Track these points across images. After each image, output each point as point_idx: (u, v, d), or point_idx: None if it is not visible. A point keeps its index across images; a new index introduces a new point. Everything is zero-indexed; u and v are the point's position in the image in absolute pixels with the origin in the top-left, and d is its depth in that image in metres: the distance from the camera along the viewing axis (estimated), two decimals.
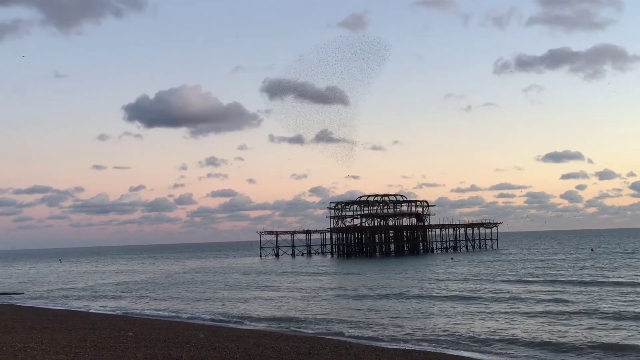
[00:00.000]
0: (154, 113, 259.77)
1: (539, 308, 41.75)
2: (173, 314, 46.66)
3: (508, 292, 51.72)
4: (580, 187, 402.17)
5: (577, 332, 32.32)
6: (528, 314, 39.07)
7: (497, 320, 37.03)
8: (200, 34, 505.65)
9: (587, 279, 61.71)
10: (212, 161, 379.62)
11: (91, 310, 51.10)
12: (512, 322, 36.17)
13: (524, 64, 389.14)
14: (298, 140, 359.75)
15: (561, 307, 41.48)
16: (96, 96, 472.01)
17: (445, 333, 33.43)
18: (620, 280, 59.74)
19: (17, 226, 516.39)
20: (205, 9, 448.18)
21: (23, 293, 73.91)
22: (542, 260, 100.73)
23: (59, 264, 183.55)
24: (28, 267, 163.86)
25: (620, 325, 33.85)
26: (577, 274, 69.50)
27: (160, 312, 48.18)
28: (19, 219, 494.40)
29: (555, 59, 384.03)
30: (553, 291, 51.53)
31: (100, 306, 55.18)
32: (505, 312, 40.14)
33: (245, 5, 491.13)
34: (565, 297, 47.18)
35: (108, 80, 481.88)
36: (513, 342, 30.45)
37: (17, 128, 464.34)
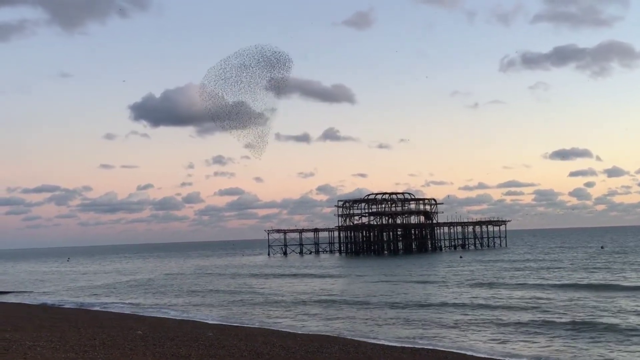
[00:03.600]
0: (160, 112, 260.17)
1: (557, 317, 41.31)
2: (181, 313, 46.73)
3: (523, 298, 46.91)
4: (589, 185, 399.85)
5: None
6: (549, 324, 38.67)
7: (512, 328, 34.25)
8: (204, 32, 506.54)
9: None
10: (219, 160, 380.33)
11: (100, 309, 51.24)
12: (529, 333, 33.27)
13: (530, 61, 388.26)
14: (304, 138, 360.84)
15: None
16: (102, 95, 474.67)
17: (453, 334, 33.29)
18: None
19: (25, 225, 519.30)
20: (209, 8, 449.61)
21: (32, 292, 74.24)
22: (555, 260, 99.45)
23: (67, 262, 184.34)
24: (37, 266, 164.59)
25: None
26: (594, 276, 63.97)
27: (169, 311, 48.26)
28: (27, 218, 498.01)
29: (561, 56, 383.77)
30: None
31: (109, 304, 55.33)
32: (520, 322, 35.57)
33: (250, 3, 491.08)
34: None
35: (114, 80, 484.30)
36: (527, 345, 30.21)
37: (25, 127, 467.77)
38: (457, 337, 31.73)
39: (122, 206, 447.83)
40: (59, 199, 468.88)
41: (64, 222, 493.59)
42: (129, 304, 55.49)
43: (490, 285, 58.07)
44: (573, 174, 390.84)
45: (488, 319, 36.99)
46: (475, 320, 36.89)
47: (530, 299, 46.02)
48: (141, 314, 46.38)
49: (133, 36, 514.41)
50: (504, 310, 40.38)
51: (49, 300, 62.31)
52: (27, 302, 60.28)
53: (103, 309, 50.91)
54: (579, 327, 32.74)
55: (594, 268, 75.26)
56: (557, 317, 36.59)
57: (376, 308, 44.36)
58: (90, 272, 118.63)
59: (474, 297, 48.15)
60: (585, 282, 58.10)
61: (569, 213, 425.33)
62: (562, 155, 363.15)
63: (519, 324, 35.00)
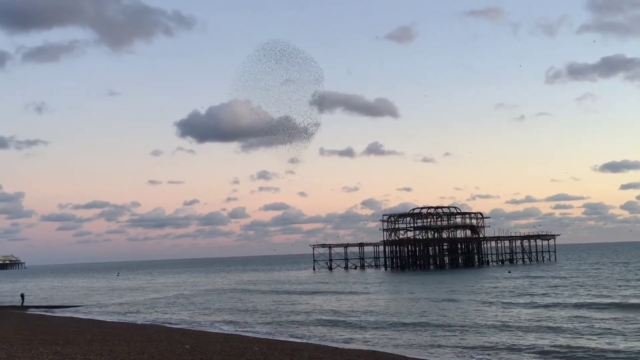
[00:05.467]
0: (206, 128, 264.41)
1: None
2: (228, 327, 46.98)
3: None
4: None
5: None
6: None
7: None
8: (248, 49, 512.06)
9: None
10: (263, 175, 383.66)
11: (148, 323, 51.91)
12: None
13: (577, 72, 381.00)
14: (348, 152, 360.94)
15: None
16: (149, 112, 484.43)
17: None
18: None
19: (76, 240, 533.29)
20: (252, 25, 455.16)
21: (83, 306, 75.71)
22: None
23: (117, 277, 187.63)
24: (87, 281, 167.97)
25: None
26: None
27: (216, 325, 48.57)
28: (78, 233, 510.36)
29: (609, 66, 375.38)
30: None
31: (158, 319, 56.00)
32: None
33: (293, 19, 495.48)
34: None
35: (160, 97, 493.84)
36: None
37: (75, 145, 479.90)
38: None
39: (170, 221, 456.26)
40: (109, 215, 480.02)
41: (113, 238, 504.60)
42: (178, 318, 56.06)
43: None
44: (624, 187, 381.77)
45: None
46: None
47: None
48: (188, 328, 46.81)
49: (178, 54, 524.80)
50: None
51: (99, 314, 63.46)
52: (78, 316, 61.55)
53: (152, 323, 51.56)
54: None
55: None
56: None
57: (423, 329, 43.77)
58: (139, 287, 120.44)
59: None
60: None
61: (621, 227, 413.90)
62: (613, 167, 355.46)
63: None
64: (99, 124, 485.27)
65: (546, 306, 51.59)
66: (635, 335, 34.72)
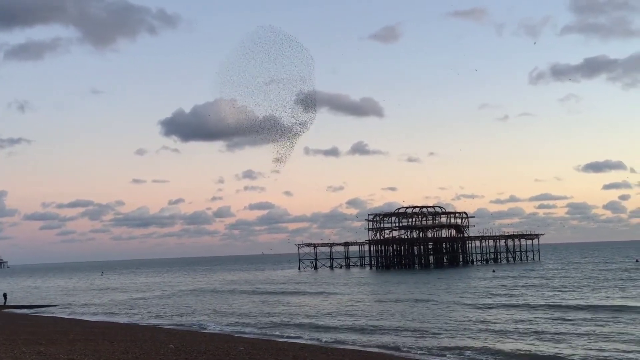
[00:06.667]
0: (190, 127, 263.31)
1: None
2: (213, 327, 46.88)
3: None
4: (624, 197, 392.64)
5: None
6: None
7: None
8: (233, 48, 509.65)
9: None
10: (249, 174, 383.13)
11: (133, 322, 51.70)
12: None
13: (560, 73, 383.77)
14: (333, 152, 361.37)
15: None
16: (133, 111, 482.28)
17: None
18: None
19: (60, 239, 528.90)
20: (236, 24, 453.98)
21: (66, 305, 75.22)
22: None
23: (101, 276, 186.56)
24: (71, 280, 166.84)
25: None
26: None
27: (201, 325, 48.43)
28: (62, 232, 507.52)
29: (592, 67, 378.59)
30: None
31: (142, 318, 55.80)
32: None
33: (277, 19, 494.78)
34: None
35: (144, 96, 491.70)
36: None
37: (58, 143, 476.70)
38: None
39: (154, 220, 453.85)
40: (93, 214, 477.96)
41: (97, 237, 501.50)
42: (161, 317, 55.88)
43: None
44: (607, 187, 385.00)
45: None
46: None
47: None
48: (173, 327, 46.69)
49: (162, 53, 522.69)
50: None
51: (83, 314, 63.10)
52: (62, 315, 61.19)
53: (136, 323, 51.35)
54: None
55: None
56: None
57: (405, 330, 43.96)
58: (123, 286, 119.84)
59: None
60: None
61: (603, 226, 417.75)
62: (595, 167, 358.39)
63: None
64: (83, 122, 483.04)
65: (523, 307, 51.36)
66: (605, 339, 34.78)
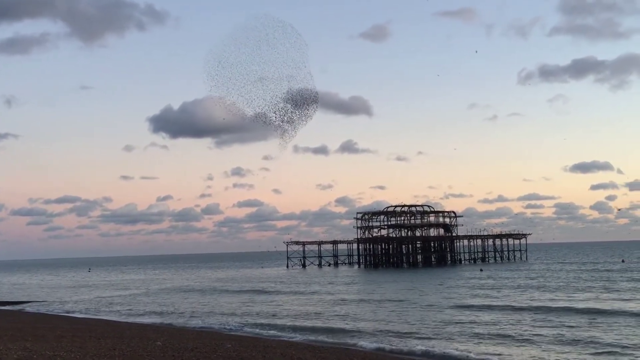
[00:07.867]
0: (179, 124, 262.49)
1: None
2: (201, 324, 46.82)
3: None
4: (610, 198, 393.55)
5: None
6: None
7: None
8: (222, 45, 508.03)
9: None
10: (237, 171, 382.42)
11: (120, 319, 51.53)
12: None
13: (548, 73, 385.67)
14: (322, 150, 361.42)
15: None
16: (121, 107, 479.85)
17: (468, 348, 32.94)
18: None
19: (47, 235, 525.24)
20: (225, 20, 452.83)
21: (53, 301, 74.78)
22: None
23: (88, 273, 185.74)
24: (58, 276, 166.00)
25: None
26: None
27: (188, 322, 48.37)
28: (49, 228, 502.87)
29: (580, 68, 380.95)
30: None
31: (130, 315, 55.64)
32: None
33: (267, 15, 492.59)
34: None
35: (132, 92, 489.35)
36: None
37: (46, 139, 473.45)
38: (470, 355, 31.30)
39: (142, 217, 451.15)
40: (80, 210, 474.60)
41: (85, 233, 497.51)
42: (149, 314, 55.73)
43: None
44: (594, 187, 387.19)
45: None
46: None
47: None
48: (160, 324, 46.58)
49: (151, 49, 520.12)
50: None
51: (70, 310, 62.81)
52: (48, 312, 60.85)
53: (124, 320, 51.19)
54: None
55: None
56: None
57: (390, 330, 44.09)
58: (111, 283, 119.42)
59: None
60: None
61: (590, 227, 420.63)
62: (583, 168, 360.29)
63: None
64: (70, 118, 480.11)
65: (508, 308, 51.47)
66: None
